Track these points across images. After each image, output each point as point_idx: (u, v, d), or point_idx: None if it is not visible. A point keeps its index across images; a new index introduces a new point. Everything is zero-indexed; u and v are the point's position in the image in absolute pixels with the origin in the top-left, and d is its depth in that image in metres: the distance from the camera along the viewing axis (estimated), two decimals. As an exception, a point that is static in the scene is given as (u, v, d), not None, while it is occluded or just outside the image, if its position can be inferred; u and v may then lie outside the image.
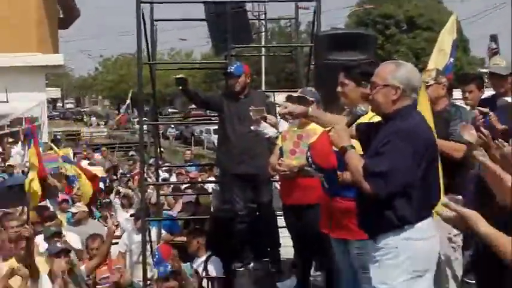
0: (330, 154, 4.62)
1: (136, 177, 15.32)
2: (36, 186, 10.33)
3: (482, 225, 2.42)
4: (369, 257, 4.67)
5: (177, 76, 7.58)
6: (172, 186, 13.71)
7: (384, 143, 3.97)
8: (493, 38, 10.58)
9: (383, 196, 3.92)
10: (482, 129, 5.12)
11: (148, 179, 13.22)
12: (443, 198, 4.14)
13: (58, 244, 7.96)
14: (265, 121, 6.68)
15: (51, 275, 7.29)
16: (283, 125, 6.64)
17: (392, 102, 4.07)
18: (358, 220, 4.32)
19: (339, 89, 5.03)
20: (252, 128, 6.76)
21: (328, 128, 4.57)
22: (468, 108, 6.41)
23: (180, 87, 7.58)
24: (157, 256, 8.60)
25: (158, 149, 11.65)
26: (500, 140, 4.75)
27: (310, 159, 4.83)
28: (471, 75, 7.24)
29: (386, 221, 4.00)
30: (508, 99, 5.25)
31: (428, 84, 5.96)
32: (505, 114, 5.35)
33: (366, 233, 4.29)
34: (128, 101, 33.46)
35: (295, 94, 6.29)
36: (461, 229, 2.60)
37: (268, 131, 6.73)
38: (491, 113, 5.44)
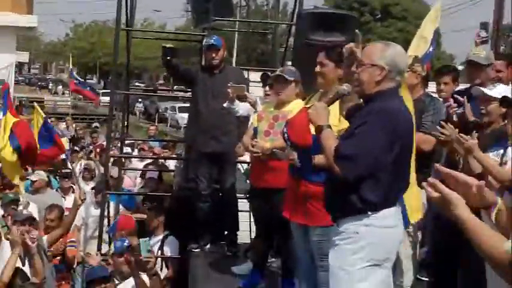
0: (306, 132, 4.54)
1: (98, 149, 15.01)
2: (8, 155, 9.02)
3: (465, 213, 2.33)
4: (329, 245, 4.59)
5: (167, 45, 7.42)
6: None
7: (359, 124, 3.91)
8: (484, 26, 10.46)
9: (351, 179, 3.86)
10: (446, 126, 5.14)
11: (111, 153, 12.96)
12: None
13: (24, 211, 7.84)
14: (245, 99, 6.51)
15: (12, 242, 7.12)
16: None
17: (375, 83, 3.99)
18: (325, 203, 4.24)
19: (317, 68, 4.96)
20: (225, 104, 6.60)
21: (308, 105, 4.51)
22: (442, 100, 6.27)
23: (168, 58, 7.35)
24: (112, 226, 8.40)
25: (126, 122, 11.39)
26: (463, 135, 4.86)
27: (286, 135, 4.78)
28: (447, 67, 7.18)
29: (350, 205, 3.93)
30: (483, 89, 5.14)
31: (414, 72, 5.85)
32: (479, 105, 5.30)
33: (331, 216, 4.20)
34: (71, 67, 32.78)
35: (272, 74, 6.11)
36: (444, 213, 2.40)
37: (240, 109, 6.56)
38: (467, 104, 5.36)
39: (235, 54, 35.01)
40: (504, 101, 4.94)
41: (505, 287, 4.28)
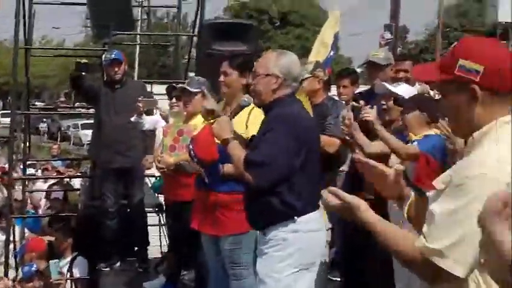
0: (212, 147, 4.53)
1: (0, 172, 14.53)
2: None
3: (371, 216, 2.31)
4: (241, 252, 4.73)
5: (82, 61, 7.33)
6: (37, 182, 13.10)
7: (264, 133, 3.96)
8: (388, 28, 10.67)
9: (265, 186, 3.89)
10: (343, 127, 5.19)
11: (14, 174, 12.57)
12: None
13: None
14: (152, 113, 6.46)
15: None
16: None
17: (272, 91, 4.02)
18: (246, 214, 4.22)
19: (222, 78, 4.93)
20: (132, 119, 6.52)
21: (211, 121, 4.48)
22: (344, 103, 6.36)
23: (83, 73, 7.25)
24: (20, 249, 8.14)
25: (28, 142, 11.08)
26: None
27: (192, 152, 4.75)
28: (346, 70, 7.34)
29: (275, 212, 3.94)
30: (387, 85, 5.24)
31: (304, 77, 5.87)
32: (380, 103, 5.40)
33: (254, 226, 4.22)
34: None
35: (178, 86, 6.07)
36: (347, 219, 2.40)
37: (146, 122, 6.49)
38: (365, 107, 5.41)
39: (136, 68, 34.69)
40: (396, 100, 5.10)
41: (407, 278, 4.38)
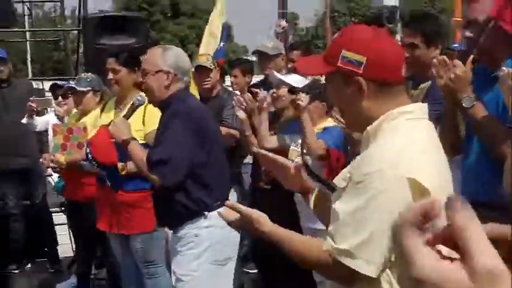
0: (110, 149, 4.45)
1: None
2: None
3: (270, 228, 2.22)
4: (153, 250, 4.70)
5: None
6: None
7: (162, 131, 3.90)
8: (282, 15, 10.64)
9: (172, 185, 3.83)
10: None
11: None
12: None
13: None
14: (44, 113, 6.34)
15: None
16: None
17: (165, 88, 3.97)
18: (156, 213, 4.16)
19: (110, 76, 4.83)
20: (23, 120, 6.47)
21: (107, 123, 4.44)
22: (238, 93, 6.41)
23: None
24: None
25: None
26: None
27: (90, 156, 4.67)
28: (237, 59, 7.34)
29: (185, 209, 3.90)
30: (279, 75, 5.30)
31: (211, 68, 5.89)
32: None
33: (165, 225, 4.19)
34: None
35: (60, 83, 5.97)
36: (247, 230, 2.39)
37: (38, 123, 6.39)
38: (260, 93, 5.48)
39: (29, 65, 33.72)
40: (291, 89, 5.08)
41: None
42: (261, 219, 2.23)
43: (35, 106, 6.42)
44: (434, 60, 3.40)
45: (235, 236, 4.09)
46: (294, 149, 4.91)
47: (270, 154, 2.49)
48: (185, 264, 3.95)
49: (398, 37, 10.17)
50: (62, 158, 5.62)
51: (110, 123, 4.22)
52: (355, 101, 2.10)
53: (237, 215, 2.31)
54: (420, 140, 2.07)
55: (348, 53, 2.07)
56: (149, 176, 3.87)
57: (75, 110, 6.16)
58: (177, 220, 3.97)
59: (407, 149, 2.01)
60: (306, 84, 4.94)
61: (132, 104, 4.31)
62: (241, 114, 5.11)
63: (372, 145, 2.08)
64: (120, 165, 4.54)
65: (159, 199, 4.05)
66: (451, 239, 0.75)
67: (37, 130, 6.61)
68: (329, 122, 4.86)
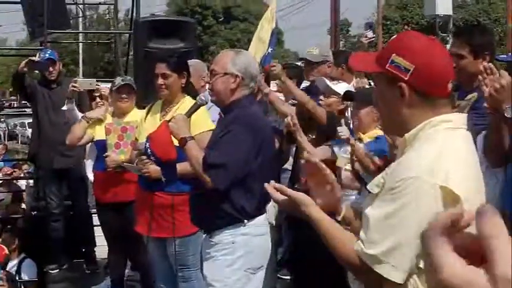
0: (169, 145, 4.44)
1: None
2: None
3: (316, 212, 2.23)
4: (189, 254, 4.70)
5: (34, 59, 7.15)
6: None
7: (223, 133, 3.90)
8: (369, 26, 10.62)
9: (223, 188, 3.83)
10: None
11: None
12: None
13: None
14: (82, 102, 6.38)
15: None
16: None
17: (231, 91, 3.97)
18: (191, 215, 4.17)
19: (161, 81, 4.84)
20: (64, 107, 6.50)
21: (167, 118, 4.45)
22: (283, 98, 6.41)
23: (36, 71, 7.19)
24: None
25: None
26: None
27: (149, 151, 4.63)
28: (283, 65, 7.33)
29: (225, 215, 3.89)
30: (328, 82, 5.31)
31: None
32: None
33: (201, 227, 4.18)
34: None
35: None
36: (294, 214, 2.37)
37: (78, 114, 6.46)
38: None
39: (81, 65, 34.26)
40: (347, 96, 5.06)
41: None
42: (309, 201, 2.25)
43: (77, 86, 6.48)
44: (481, 67, 3.40)
45: (268, 245, 4.10)
46: (344, 157, 4.88)
47: (320, 163, 2.43)
48: (218, 270, 3.96)
49: (449, 46, 10.02)
50: (121, 156, 5.66)
51: (170, 119, 4.23)
52: (395, 105, 2.13)
53: (284, 197, 2.34)
54: (457, 149, 2.08)
55: (397, 58, 2.09)
56: (202, 176, 3.85)
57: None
58: (216, 225, 3.96)
59: (444, 158, 2.01)
60: (359, 91, 4.93)
61: (195, 102, 4.32)
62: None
63: (408, 153, 2.09)
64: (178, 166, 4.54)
65: (199, 201, 4.05)
66: (479, 247, 0.80)
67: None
68: (379, 130, 4.80)
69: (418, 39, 2.19)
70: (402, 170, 2.03)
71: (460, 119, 2.16)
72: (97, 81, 10.94)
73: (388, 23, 35.31)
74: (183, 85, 4.87)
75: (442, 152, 2.03)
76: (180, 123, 4.07)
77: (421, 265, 1.97)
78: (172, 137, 4.21)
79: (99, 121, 6.02)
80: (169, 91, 4.87)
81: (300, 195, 2.28)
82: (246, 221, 3.90)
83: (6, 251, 7.83)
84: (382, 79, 2.17)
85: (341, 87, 5.24)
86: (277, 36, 7.30)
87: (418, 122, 2.10)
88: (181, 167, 4.38)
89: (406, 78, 2.08)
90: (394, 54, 2.10)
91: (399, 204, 1.98)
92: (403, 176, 1.99)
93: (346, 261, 2.15)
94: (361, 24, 39.39)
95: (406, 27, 35.42)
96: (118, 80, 5.99)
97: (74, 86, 6.48)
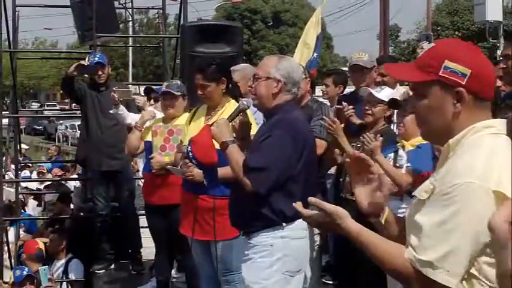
0: (211, 149, 4.46)
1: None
2: None
3: (354, 225, 2.24)
4: (232, 258, 4.66)
5: (85, 63, 7.27)
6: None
7: (265, 138, 3.90)
8: (426, 37, 10.55)
9: (262, 192, 3.84)
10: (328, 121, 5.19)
11: (6, 177, 12.64)
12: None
13: None
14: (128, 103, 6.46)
15: None
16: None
17: (272, 96, 3.99)
18: (230, 217, 4.19)
19: (199, 92, 4.90)
20: (111, 111, 6.59)
21: (210, 122, 4.47)
22: (328, 104, 6.41)
23: (85, 75, 7.32)
24: (20, 251, 8.20)
25: (18, 144, 11.10)
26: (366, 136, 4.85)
27: (190, 154, 4.63)
28: (329, 70, 7.29)
29: (263, 218, 3.91)
30: (371, 90, 5.28)
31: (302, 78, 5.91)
32: (363, 107, 5.38)
33: (240, 229, 4.18)
34: None
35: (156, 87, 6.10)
36: (325, 228, 2.39)
37: (127, 115, 6.52)
38: (349, 107, 5.46)
39: (130, 69, 34.67)
40: (392, 103, 5.06)
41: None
42: (343, 214, 2.26)
43: (116, 97, 6.58)
44: None
45: (307, 249, 4.10)
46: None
47: (367, 157, 2.44)
48: (256, 272, 3.96)
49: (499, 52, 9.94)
50: (166, 158, 5.71)
51: (213, 123, 4.27)
52: (447, 112, 2.13)
53: (314, 212, 2.36)
54: (505, 154, 2.07)
55: (452, 64, 2.10)
56: (242, 180, 3.87)
57: (158, 114, 6.27)
58: (254, 227, 3.98)
59: (494, 162, 2.02)
60: (404, 98, 4.90)
61: (238, 107, 4.32)
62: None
63: (453, 158, 2.10)
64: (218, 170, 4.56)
65: (238, 203, 4.07)
66: None
67: (128, 123, 6.73)
68: None
69: (464, 45, 2.22)
70: (454, 175, 2.02)
71: (502, 124, 2.17)
72: (140, 84, 11.09)
73: (439, 28, 34.97)
74: (224, 90, 4.88)
75: (492, 157, 2.03)
76: (221, 127, 4.08)
77: (472, 270, 2.01)
78: (214, 141, 4.23)
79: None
80: (210, 99, 4.92)
81: (335, 208, 2.28)
82: (284, 224, 3.90)
83: (41, 246, 7.97)
84: (433, 87, 2.15)
85: (385, 94, 5.22)
86: (322, 41, 7.29)
87: (466, 126, 2.12)
88: (223, 170, 4.39)
89: (463, 83, 2.10)
90: (446, 61, 2.11)
91: (453, 210, 1.98)
92: (456, 181, 1.99)
93: (396, 270, 2.14)
94: (410, 29, 39.11)
95: (456, 32, 35.07)
96: (163, 87, 6.04)
97: (113, 96, 6.61)
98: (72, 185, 12.33)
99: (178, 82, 6.07)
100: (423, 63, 2.18)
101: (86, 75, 7.50)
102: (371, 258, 2.19)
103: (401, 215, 4.78)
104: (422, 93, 2.18)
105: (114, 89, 6.59)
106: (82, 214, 8.56)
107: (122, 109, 6.64)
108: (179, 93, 5.85)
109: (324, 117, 5.42)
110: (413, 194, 2.21)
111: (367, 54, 6.01)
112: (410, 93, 2.53)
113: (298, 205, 2.44)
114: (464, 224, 1.96)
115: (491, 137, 2.10)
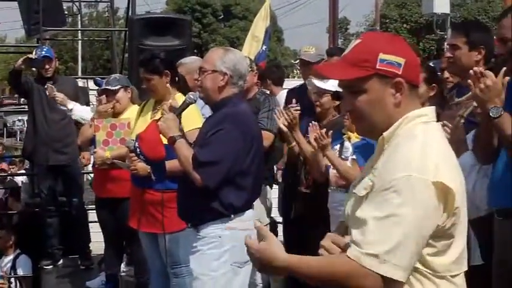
0: (158, 145, 4.48)
1: None
2: None
3: (282, 258, 2.08)
4: (179, 250, 4.69)
5: (33, 56, 7.19)
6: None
7: (214, 132, 3.92)
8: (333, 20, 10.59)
9: (213, 186, 3.87)
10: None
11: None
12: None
13: None
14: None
15: None
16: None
17: (219, 89, 4.00)
18: (179, 210, 4.21)
19: (144, 85, 4.92)
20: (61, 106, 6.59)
21: (156, 118, 4.49)
22: (275, 98, 6.46)
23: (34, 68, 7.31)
24: None
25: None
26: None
27: (138, 150, 4.64)
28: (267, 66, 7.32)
29: (213, 211, 3.93)
30: (316, 82, 5.29)
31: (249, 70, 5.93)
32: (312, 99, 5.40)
33: (188, 222, 4.19)
34: None
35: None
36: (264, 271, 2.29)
37: (76, 110, 6.51)
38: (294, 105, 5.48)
39: (80, 62, 34.31)
40: (336, 95, 5.07)
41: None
42: (278, 253, 2.09)
43: (48, 93, 6.65)
44: (471, 71, 3.44)
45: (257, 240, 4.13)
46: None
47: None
48: (205, 264, 3.98)
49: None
50: (107, 153, 5.70)
51: (159, 118, 4.28)
52: (388, 104, 2.13)
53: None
54: (438, 142, 2.12)
55: (386, 56, 2.11)
56: (192, 174, 3.88)
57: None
58: (202, 219, 4.00)
59: (429, 153, 2.04)
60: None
61: (184, 101, 4.32)
62: (284, 128, 5.13)
63: (388, 150, 2.12)
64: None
65: (186, 196, 4.09)
66: None
67: (75, 118, 6.69)
68: None
69: (389, 36, 2.27)
70: (392, 169, 2.03)
71: (432, 111, 2.20)
72: (88, 78, 10.98)
73: (387, 21, 35.35)
74: (168, 83, 4.89)
75: (427, 147, 2.05)
76: (169, 122, 4.07)
77: (417, 264, 2.03)
78: (162, 136, 4.23)
79: None
80: (155, 92, 4.93)
81: (262, 246, 2.13)
82: (232, 215, 3.93)
83: None
84: (370, 82, 2.13)
85: (331, 84, 5.25)
86: (271, 34, 7.32)
87: (401, 115, 2.13)
88: (170, 164, 4.40)
89: (400, 73, 2.11)
90: (381, 53, 2.11)
91: (396, 204, 1.98)
92: (395, 175, 2.00)
93: (344, 276, 2.02)
94: (360, 22, 39.50)
95: (404, 25, 35.49)
96: (103, 84, 6.04)
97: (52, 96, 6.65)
98: (20, 180, 12.20)
99: (117, 76, 6.12)
100: (356, 59, 2.15)
101: (34, 69, 7.42)
102: (313, 279, 2.06)
103: (348, 208, 4.91)
104: (359, 89, 2.15)
105: (46, 86, 6.62)
106: (30, 209, 8.47)
107: (72, 105, 6.58)
108: (117, 87, 5.86)
109: (278, 109, 5.41)
110: (352, 191, 2.19)
111: (314, 48, 6.01)
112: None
113: (248, 241, 2.23)
114: (408, 216, 1.97)
115: (424, 126, 2.12)
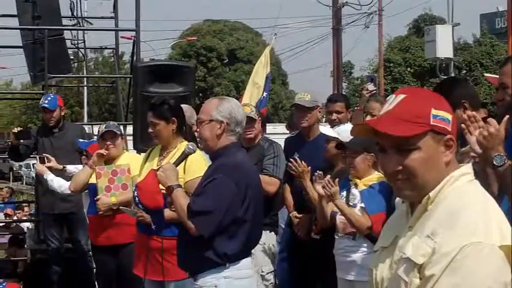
0: (156, 194, 4.54)
1: None
2: None
3: None
4: None
5: (17, 130, 7.42)
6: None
7: (209, 181, 3.96)
8: (371, 79, 10.63)
9: (206, 235, 3.90)
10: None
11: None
12: None
13: None
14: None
15: None
16: None
17: (217, 137, 4.05)
18: (178, 258, 4.24)
19: (150, 129, 4.94)
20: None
21: (156, 167, 4.52)
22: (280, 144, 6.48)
23: (21, 141, 7.41)
24: None
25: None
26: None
27: (137, 199, 4.73)
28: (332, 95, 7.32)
29: (208, 260, 3.95)
30: (323, 129, 5.35)
31: (255, 118, 5.98)
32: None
33: (186, 271, 4.21)
34: None
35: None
36: None
37: (55, 182, 6.54)
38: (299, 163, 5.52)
39: (85, 107, 34.56)
40: (339, 145, 5.12)
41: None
42: None
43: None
44: (464, 116, 3.45)
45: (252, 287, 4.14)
46: None
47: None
48: None
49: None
50: (112, 198, 5.74)
51: (158, 168, 4.31)
52: (440, 162, 2.05)
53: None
54: (489, 201, 2.05)
55: (438, 112, 2.03)
56: (187, 223, 3.93)
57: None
58: (199, 268, 4.02)
59: (489, 214, 1.97)
60: (349, 140, 4.91)
61: (183, 152, 4.38)
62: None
63: (437, 212, 2.02)
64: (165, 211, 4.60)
65: (183, 245, 4.13)
66: None
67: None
68: (375, 176, 4.92)
69: (430, 91, 2.22)
70: (457, 236, 1.93)
71: (471, 169, 2.14)
72: (94, 124, 11.04)
73: (391, 65, 35.48)
74: (174, 130, 4.91)
75: (484, 208, 1.98)
76: (167, 172, 4.14)
77: None
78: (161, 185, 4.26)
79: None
80: (160, 138, 4.95)
81: None
82: (227, 264, 3.95)
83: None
84: (425, 138, 2.03)
85: (341, 130, 5.33)
86: (271, 80, 7.36)
87: (447, 174, 2.05)
88: (169, 213, 4.45)
89: (450, 129, 2.04)
90: (433, 109, 2.03)
91: (464, 274, 1.89)
92: (462, 243, 1.91)
93: None
94: (363, 66, 39.60)
95: (408, 69, 35.60)
96: (101, 127, 6.07)
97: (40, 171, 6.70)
98: (25, 226, 12.17)
99: (116, 123, 6.21)
100: (408, 114, 2.03)
101: (22, 141, 7.50)
102: None
103: (353, 255, 4.93)
104: (412, 147, 2.02)
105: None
106: (36, 256, 8.46)
107: (51, 178, 6.56)
108: (119, 132, 5.95)
109: (294, 158, 5.47)
110: (407, 256, 2.01)
111: (309, 95, 5.99)
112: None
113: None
114: (480, 284, 1.90)
115: (471, 185, 2.07)
